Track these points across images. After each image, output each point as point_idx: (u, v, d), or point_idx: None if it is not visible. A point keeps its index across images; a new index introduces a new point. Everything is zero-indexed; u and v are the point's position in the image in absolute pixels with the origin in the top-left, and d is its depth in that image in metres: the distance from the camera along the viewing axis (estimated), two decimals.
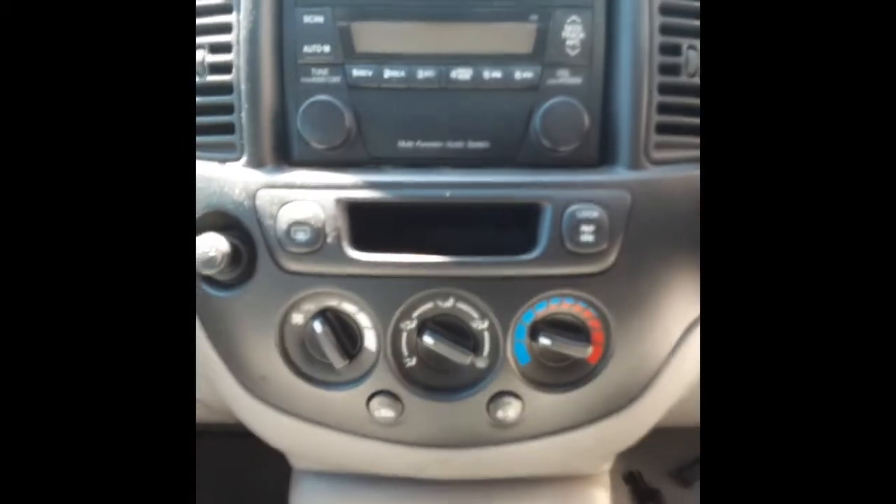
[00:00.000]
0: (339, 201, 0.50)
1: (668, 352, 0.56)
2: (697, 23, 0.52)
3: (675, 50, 0.52)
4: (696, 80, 0.53)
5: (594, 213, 0.50)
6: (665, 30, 0.52)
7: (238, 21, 0.51)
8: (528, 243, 0.51)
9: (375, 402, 0.54)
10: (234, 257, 0.51)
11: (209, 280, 0.53)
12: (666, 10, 0.52)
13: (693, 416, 0.62)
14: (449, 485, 0.66)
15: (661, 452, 1.32)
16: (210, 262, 0.49)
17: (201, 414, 0.68)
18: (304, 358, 0.55)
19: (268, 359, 0.55)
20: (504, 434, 0.57)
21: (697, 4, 0.53)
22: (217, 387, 0.59)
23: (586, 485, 0.68)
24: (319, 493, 0.68)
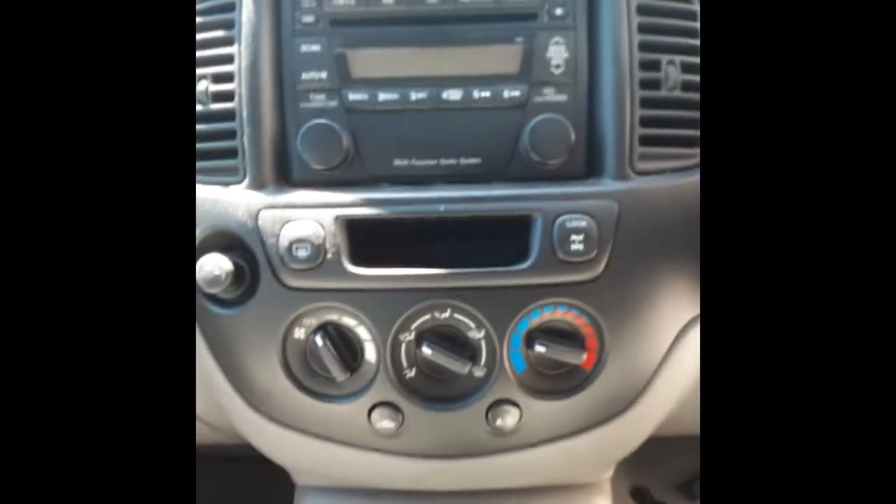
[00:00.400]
0: (337, 219, 0.52)
1: (661, 356, 0.57)
2: (675, 40, 0.55)
3: (654, 66, 0.55)
4: (677, 93, 0.55)
5: (583, 222, 0.52)
6: (644, 47, 0.54)
7: (239, 52, 0.54)
8: (521, 254, 0.53)
9: (376, 413, 0.56)
10: (238, 276, 0.53)
11: (213, 299, 0.55)
12: (644, 29, 0.54)
13: (696, 424, 0.63)
14: (449, 497, 0.67)
15: (668, 466, 1.32)
16: (214, 280, 0.51)
17: (204, 435, 0.70)
18: (306, 373, 0.57)
19: (271, 374, 0.56)
20: (503, 442, 0.58)
21: (675, 22, 0.55)
22: (221, 405, 0.61)
23: (587, 494, 0.69)
24: None
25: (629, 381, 0.57)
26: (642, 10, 0.54)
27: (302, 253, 0.52)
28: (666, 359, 0.58)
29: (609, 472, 0.71)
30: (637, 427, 0.61)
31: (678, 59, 0.55)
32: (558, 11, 0.54)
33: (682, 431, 0.82)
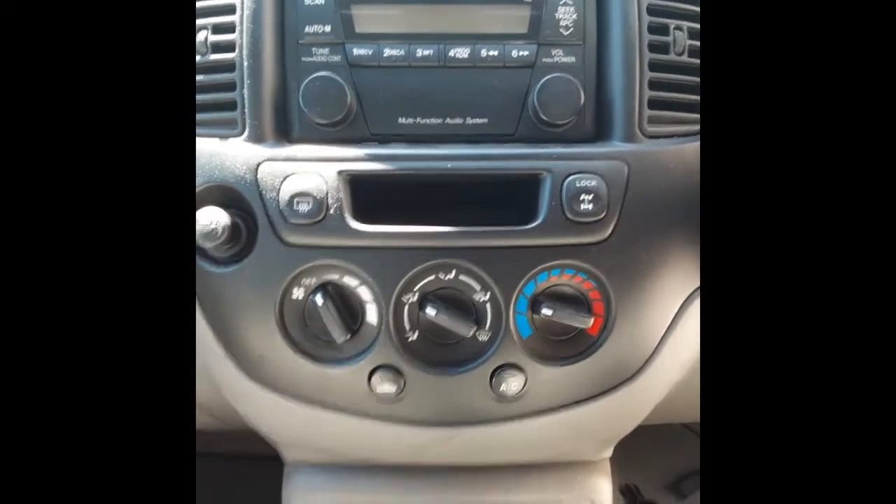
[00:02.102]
0: (341, 173, 0.51)
1: (667, 324, 0.56)
2: (683, 5, 0.55)
3: (663, 30, 0.54)
4: (685, 58, 0.55)
5: (592, 182, 0.51)
6: (652, 11, 0.54)
7: (241, 1, 0.53)
8: (528, 217, 0.52)
9: (377, 377, 0.54)
10: (234, 232, 0.51)
11: (208, 256, 0.53)
12: None
13: (692, 411, 0.61)
14: (447, 473, 0.64)
15: (658, 465, 1.31)
16: (211, 234, 0.49)
17: (199, 420, 0.66)
18: (303, 335, 0.54)
19: (267, 336, 0.54)
20: (506, 409, 0.56)
21: None
22: (213, 372, 0.58)
23: (588, 471, 0.67)
24: (313, 486, 0.65)
25: (635, 348, 0.56)
26: None
27: (303, 207, 0.50)
28: (671, 328, 0.57)
29: (609, 451, 0.70)
30: (641, 399, 0.60)
31: (686, 24, 0.55)
32: None
33: (678, 418, 0.81)
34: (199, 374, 0.58)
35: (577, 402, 0.56)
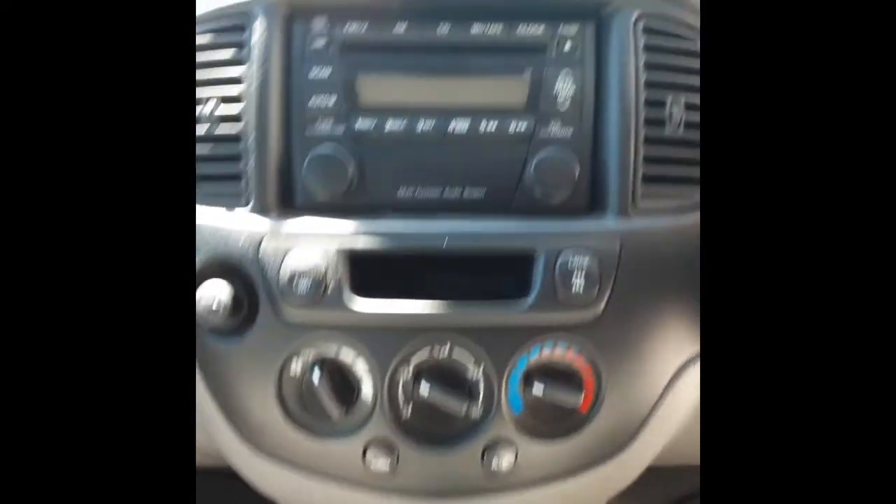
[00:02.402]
0: (340, 251, 0.52)
1: (657, 395, 0.57)
2: (681, 79, 0.55)
3: (660, 104, 0.55)
4: (680, 132, 0.55)
5: (585, 261, 0.51)
6: (650, 85, 0.55)
7: (249, 74, 0.54)
8: (523, 290, 0.52)
9: (371, 451, 0.54)
10: (236, 306, 0.52)
11: (209, 329, 0.54)
12: (651, 67, 0.55)
13: (686, 454, 0.62)
14: None
15: (655, 494, 1.31)
16: (213, 312, 0.50)
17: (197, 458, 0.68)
18: (301, 407, 0.55)
19: (265, 408, 0.55)
20: (497, 483, 0.56)
21: (681, 61, 0.56)
22: (212, 435, 0.59)
23: None
24: None
25: (625, 421, 0.57)
26: (650, 49, 0.55)
27: (302, 286, 0.51)
28: (661, 398, 0.57)
29: None
30: (631, 466, 0.61)
31: (683, 98, 0.55)
32: (567, 46, 0.55)
33: (677, 462, 0.82)
34: (200, 429, 0.60)
35: (567, 475, 0.57)
